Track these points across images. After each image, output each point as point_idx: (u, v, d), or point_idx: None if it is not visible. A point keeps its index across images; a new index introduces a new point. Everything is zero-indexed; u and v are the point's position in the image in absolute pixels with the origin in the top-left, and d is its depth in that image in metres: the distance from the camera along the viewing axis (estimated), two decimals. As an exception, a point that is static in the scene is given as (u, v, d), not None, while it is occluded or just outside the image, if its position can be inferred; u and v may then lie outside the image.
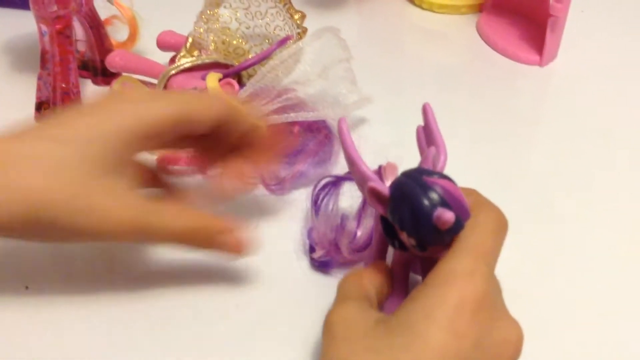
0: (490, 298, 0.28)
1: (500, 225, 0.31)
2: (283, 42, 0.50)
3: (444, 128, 0.53)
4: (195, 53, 0.50)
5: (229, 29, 0.51)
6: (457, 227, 0.29)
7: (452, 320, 0.26)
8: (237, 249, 0.36)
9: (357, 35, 0.70)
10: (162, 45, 0.55)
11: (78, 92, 0.50)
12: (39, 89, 0.51)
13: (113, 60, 0.51)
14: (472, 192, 0.33)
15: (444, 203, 0.29)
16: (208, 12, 0.51)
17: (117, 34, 0.57)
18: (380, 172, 0.35)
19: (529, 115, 0.56)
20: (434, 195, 0.29)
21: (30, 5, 0.47)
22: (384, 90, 0.55)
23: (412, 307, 0.27)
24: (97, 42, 0.54)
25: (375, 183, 0.31)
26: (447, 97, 0.57)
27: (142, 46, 0.58)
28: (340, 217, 0.39)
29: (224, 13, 0.51)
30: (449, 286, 0.27)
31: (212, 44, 0.50)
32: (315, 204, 0.40)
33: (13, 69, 0.59)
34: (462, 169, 0.47)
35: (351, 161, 0.33)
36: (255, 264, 0.39)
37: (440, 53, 0.66)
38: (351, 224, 0.39)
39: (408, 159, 0.47)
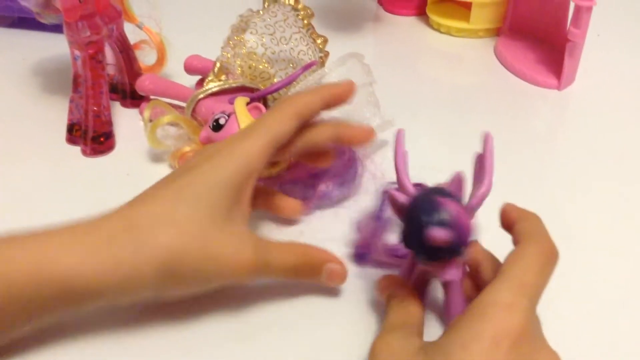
0: (529, 332, 0.28)
1: (549, 258, 0.31)
2: (308, 67, 0.51)
3: (462, 149, 0.54)
4: (223, 77, 0.52)
5: (255, 54, 0.52)
6: (452, 249, 0.30)
7: (488, 353, 0.26)
8: (340, 277, 0.38)
9: (376, 58, 0.71)
10: (189, 69, 0.57)
11: (109, 115, 0.52)
12: (70, 111, 0.52)
13: (143, 84, 0.53)
14: (530, 218, 0.33)
15: (443, 223, 0.30)
16: (235, 37, 0.53)
17: (146, 58, 0.59)
18: (419, 185, 0.36)
19: (547, 139, 0.57)
20: (435, 214, 0.30)
21: (65, 31, 0.49)
22: (404, 112, 0.56)
23: (451, 337, 0.28)
24: (127, 66, 0.56)
25: (394, 191, 0.32)
26: (465, 119, 0.58)
27: (169, 70, 0.60)
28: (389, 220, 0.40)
29: (250, 39, 0.53)
30: (487, 318, 0.27)
31: (239, 69, 0.52)
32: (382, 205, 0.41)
33: (44, 91, 0.60)
34: (469, 187, 0.48)
35: (395, 170, 0.35)
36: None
37: (458, 76, 0.67)
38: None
39: (429, 179, 0.48)
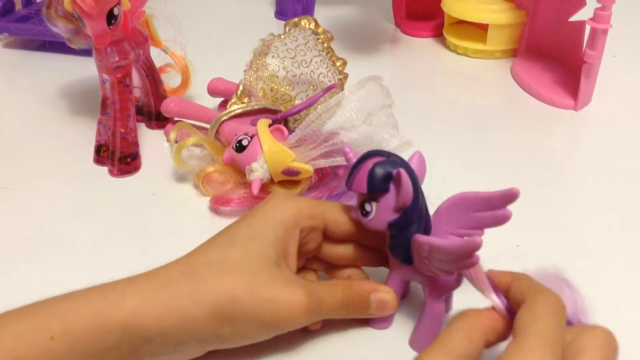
0: None
1: (561, 308, 0.31)
2: (328, 89, 0.53)
3: (480, 169, 0.55)
4: (245, 99, 0.53)
5: (276, 76, 0.54)
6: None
7: None
8: (389, 306, 0.38)
9: (394, 79, 0.73)
10: (212, 91, 0.59)
11: (135, 137, 0.53)
12: (98, 133, 0.54)
13: (168, 107, 0.55)
14: (523, 276, 0.34)
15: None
16: (257, 61, 0.54)
17: (171, 80, 0.61)
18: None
19: (564, 159, 0.57)
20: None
21: (94, 55, 0.51)
22: (422, 132, 0.57)
23: None
24: (152, 89, 0.58)
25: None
26: (483, 138, 0.59)
27: (193, 92, 0.62)
28: None
29: (272, 62, 0.54)
30: None
31: (261, 91, 0.53)
32: None
33: (72, 113, 0.62)
34: None
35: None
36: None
37: (475, 96, 0.68)
38: None
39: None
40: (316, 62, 0.56)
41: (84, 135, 0.57)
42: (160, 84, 0.59)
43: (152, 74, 0.57)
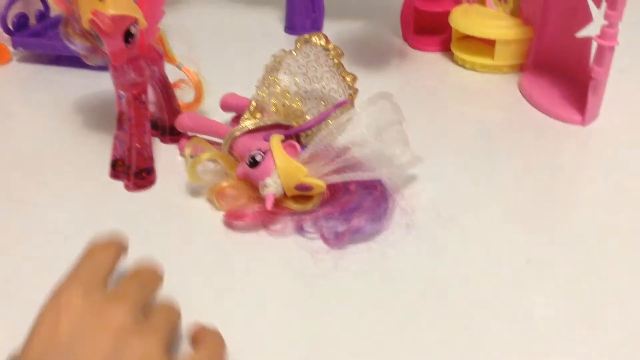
0: None
1: None
2: (339, 105, 0.54)
3: (488, 183, 0.56)
4: (258, 115, 0.54)
5: (288, 92, 0.55)
6: None
7: None
8: None
9: (402, 93, 0.73)
10: (225, 106, 0.60)
11: (150, 151, 0.54)
12: (115, 148, 0.55)
13: (183, 122, 0.56)
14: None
15: None
16: (269, 77, 0.55)
17: (184, 96, 0.62)
18: None
19: (572, 174, 0.58)
20: None
21: (110, 72, 0.52)
22: (429, 146, 0.57)
23: None
24: (167, 104, 0.59)
25: None
26: (490, 153, 0.60)
27: (206, 106, 0.63)
28: None
29: (284, 78, 0.55)
30: None
31: (273, 107, 0.54)
32: None
33: (87, 127, 0.64)
34: (500, 224, 0.50)
35: None
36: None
37: (483, 111, 0.69)
38: None
39: (458, 212, 0.50)
40: (327, 77, 0.57)
41: (99, 149, 0.58)
42: (174, 99, 0.60)
43: (166, 90, 0.58)
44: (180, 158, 0.58)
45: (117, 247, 0.37)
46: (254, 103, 0.54)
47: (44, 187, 0.55)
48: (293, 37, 0.86)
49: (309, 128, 0.53)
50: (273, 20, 0.91)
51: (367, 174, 0.48)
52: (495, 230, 0.49)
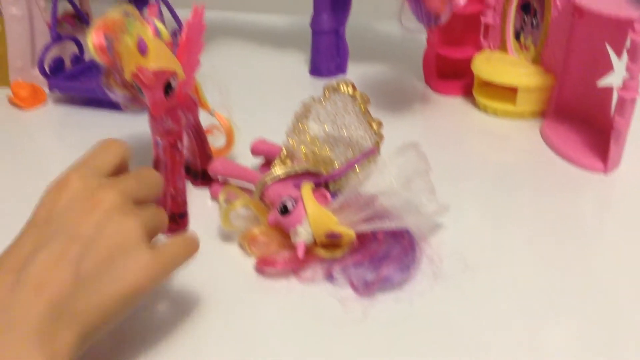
0: None
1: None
2: (367, 154, 0.55)
3: (510, 228, 0.57)
4: (288, 162, 0.56)
5: (318, 140, 0.57)
6: None
7: None
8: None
9: (424, 136, 0.75)
10: (255, 152, 0.62)
11: (184, 197, 0.56)
12: (150, 192, 0.57)
13: (215, 168, 0.58)
14: None
15: None
16: (299, 125, 0.57)
17: (216, 141, 0.64)
18: None
19: (594, 222, 0.59)
20: None
21: (149, 121, 0.54)
22: (451, 189, 0.58)
23: None
24: (199, 149, 0.61)
25: None
26: (513, 200, 0.61)
27: (236, 151, 0.65)
28: None
29: (313, 126, 0.57)
30: None
31: (303, 154, 0.56)
32: None
33: (121, 170, 0.66)
34: (524, 271, 0.51)
35: None
36: None
37: (505, 156, 0.70)
38: None
39: (480, 257, 0.51)
40: (354, 125, 0.59)
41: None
42: (207, 145, 0.62)
43: (199, 136, 0.61)
44: (211, 202, 0.60)
45: (121, 147, 0.42)
46: (284, 150, 0.56)
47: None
48: (318, 80, 0.89)
49: (338, 176, 0.54)
50: (298, 63, 0.94)
51: (395, 222, 0.50)
52: (519, 277, 0.50)
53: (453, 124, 0.77)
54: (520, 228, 0.57)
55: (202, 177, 0.62)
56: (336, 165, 0.57)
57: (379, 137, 0.60)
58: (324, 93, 0.60)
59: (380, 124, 0.60)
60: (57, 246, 0.34)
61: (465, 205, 0.59)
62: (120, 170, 0.42)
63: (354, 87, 0.60)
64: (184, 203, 0.56)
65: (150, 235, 0.38)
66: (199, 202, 0.60)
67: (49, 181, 0.65)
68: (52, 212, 0.36)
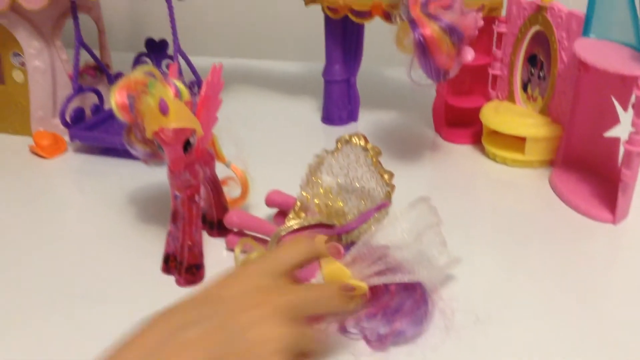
0: None
1: None
2: (379, 207, 0.57)
3: (522, 281, 0.57)
4: (302, 215, 0.58)
5: (331, 193, 0.58)
6: None
7: None
8: None
9: (434, 184, 0.77)
10: (270, 203, 0.63)
11: (201, 248, 0.58)
12: (167, 244, 0.58)
13: (231, 220, 0.59)
14: None
15: None
16: (313, 178, 0.59)
17: (231, 192, 0.66)
18: None
19: (602, 272, 0.59)
20: None
21: (168, 175, 0.56)
22: (461, 238, 0.59)
23: None
24: (215, 200, 0.63)
25: None
26: (522, 249, 0.62)
27: (251, 201, 0.66)
28: None
29: (326, 179, 0.59)
30: None
31: (317, 207, 0.58)
32: None
33: (140, 219, 0.67)
34: (534, 322, 0.52)
35: None
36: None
37: (514, 205, 0.71)
38: None
39: (496, 311, 0.52)
40: (366, 177, 0.60)
41: (152, 243, 0.62)
42: (222, 196, 0.64)
43: (215, 187, 0.62)
44: (226, 253, 0.61)
45: (308, 247, 0.43)
46: (298, 203, 0.58)
47: (95, 278, 0.58)
48: (330, 128, 0.91)
49: (352, 229, 0.56)
50: (311, 111, 0.96)
51: (407, 275, 0.51)
52: (529, 329, 0.51)
53: (463, 171, 0.78)
54: (530, 280, 0.58)
55: (218, 228, 0.63)
56: (349, 217, 0.58)
57: (391, 187, 0.62)
58: (337, 145, 0.62)
59: (391, 175, 0.62)
60: (207, 328, 0.35)
61: (475, 256, 0.60)
62: (307, 263, 0.44)
63: (365, 139, 0.62)
64: (200, 255, 0.57)
65: (292, 354, 0.37)
66: (215, 252, 0.61)
67: (67, 232, 0.68)
68: (216, 295, 0.38)
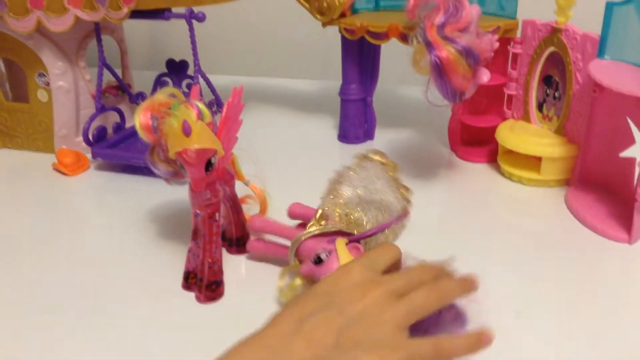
0: None
1: None
2: (400, 218, 0.58)
3: (537, 297, 0.57)
4: (323, 222, 0.58)
5: (351, 203, 0.59)
6: None
7: None
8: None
9: (451, 202, 0.77)
10: (292, 215, 0.64)
11: (220, 265, 0.59)
12: (188, 260, 0.60)
13: (253, 224, 0.62)
14: None
15: None
16: (334, 190, 0.60)
17: (250, 209, 0.67)
18: None
19: (616, 292, 0.59)
20: None
21: (189, 194, 0.57)
22: (477, 255, 0.60)
23: None
24: (234, 218, 0.64)
25: None
26: (537, 266, 0.63)
27: (267, 217, 0.67)
28: None
29: (347, 191, 0.60)
30: None
31: (337, 216, 0.59)
32: None
33: (160, 235, 0.69)
34: (540, 335, 0.52)
35: None
36: None
37: (530, 223, 0.71)
38: None
39: (505, 319, 0.52)
40: (385, 191, 0.61)
41: (172, 259, 0.63)
42: (241, 213, 0.65)
43: (235, 205, 0.64)
44: (245, 269, 0.63)
45: (396, 251, 0.46)
46: (319, 212, 0.59)
47: (116, 294, 0.60)
48: (346, 146, 0.92)
49: (370, 236, 0.57)
50: (327, 129, 0.97)
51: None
52: (544, 346, 0.52)
53: (479, 190, 0.79)
54: (546, 298, 0.58)
55: (237, 245, 0.64)
56: (367, 227, 0.59)
57: (408, 201, 0.63)
58: (356, 160, 0.63)
59: (408, 190, 0.63)
60: (329, 314, 0.40)
61: (491, 274, 0.60)
62: (393, 268, 0.47)
63: (383, 155, 0.63)
64: (220, 271, 0.59)
65: (409, 317, 0.41)
66: (234, 269, 0.62)
67: (90, 243, 0.69)
68: (333, 287, 0.42)
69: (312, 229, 0.57)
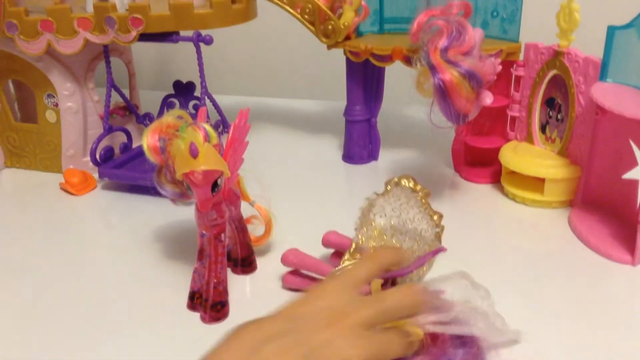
0: None
1: None
2: (436, 252, 0.58)
3: (540, 317, 0.57)
4: (357, 256, 0.58)
5: (385, 234, 0.59)
6: None
7: None
8: None
9: (454, 222, 0.76)
10: (326, 243, 0.64)
11: (226, 286, 0.59)
12: (193, 280, 0.60)
13: (287, 259, 0.61)
14: None
15: None
16: (366, 221, 0.60)
17: (255, 230, 0.67)
18: None
19: (620, 314, 0.59)
20: None
21: (195, 215, 0.58)
22: (480, 273, 0.58)
23: None
24: (240, 238, 0.64)
25: None
26: (539, 287, 0.63)
27: (273, 239, 0.68)
28: None
29: (380, 222, 0.60)
30: None
31: (372, 249, 0.58)
32: None
33: (167, 257, 0.69)
34: (544, 357, 0.52)
35: None
36: None
37: (534, 244, 0.72)
38: None
39: (515, 351, 0.52)
40: (418, 219, 0.61)
41: (177, 279, 0.64)
42: (247, 234, 0.65)
43: (240, 226, 0.64)
44: (250, 290, 0.63)
45: (382, 258, 0.46)
46: (353, 245, 0.59)
47: (121, 314, 0.60)
48: (350, 166, 0.93)
49: (408, 274, 0.55)
50: (332, 149, 0.98)
51: (463, 328, 0.49)
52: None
53: (482, 210, 0.79)
54: (549, 319, 0.58)
55: (242, 265, 0.65)
56: None
57: (440, 229, 0.62)
58: (386, 188, 0.61)
59: (440, 217, 0.62)
60: (287, 343, 0.38)
61: (494, 295, 0.60)
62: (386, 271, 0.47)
63: (414, 181, 0.62)
64: (225, 292, 0.59)
65: (373, 355, 0.40)
66: (239, 289, 0.63)
67: (96, 262, 0.70)
68: (298, 313, 0.41)
69: (347, 264, 0.57)
